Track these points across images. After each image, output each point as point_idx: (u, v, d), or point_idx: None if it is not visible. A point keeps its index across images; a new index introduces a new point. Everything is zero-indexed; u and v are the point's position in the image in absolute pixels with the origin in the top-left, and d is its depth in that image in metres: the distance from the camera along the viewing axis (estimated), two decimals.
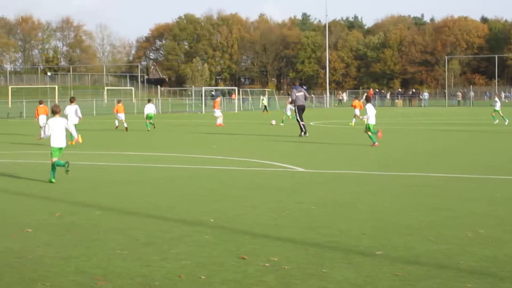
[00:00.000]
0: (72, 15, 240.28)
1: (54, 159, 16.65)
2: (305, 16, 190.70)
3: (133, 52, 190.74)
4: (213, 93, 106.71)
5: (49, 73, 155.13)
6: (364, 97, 30.13)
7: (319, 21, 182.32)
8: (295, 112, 34.04)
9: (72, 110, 29.72)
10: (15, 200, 14.07)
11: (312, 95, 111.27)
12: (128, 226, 10.96)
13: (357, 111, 45.59)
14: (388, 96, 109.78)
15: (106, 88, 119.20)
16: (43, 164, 17.25)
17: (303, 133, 33.11)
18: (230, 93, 76.69)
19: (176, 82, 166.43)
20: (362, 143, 27.39)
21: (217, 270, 8.20)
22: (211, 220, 11.34)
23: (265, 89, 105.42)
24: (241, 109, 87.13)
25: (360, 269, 8.19)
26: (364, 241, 9.71)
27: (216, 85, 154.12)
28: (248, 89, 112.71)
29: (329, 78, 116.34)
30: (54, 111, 17.11)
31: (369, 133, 26.89)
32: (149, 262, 8.62)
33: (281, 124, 45.64)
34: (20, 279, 7.94)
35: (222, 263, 8.54)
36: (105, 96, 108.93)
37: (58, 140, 16.84)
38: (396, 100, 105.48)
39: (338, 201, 13.34)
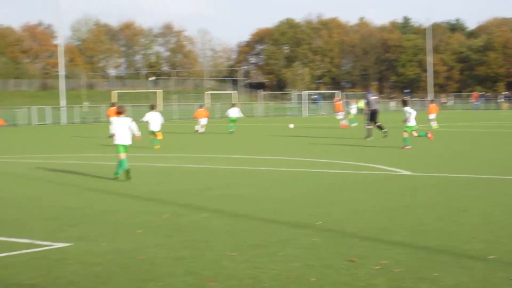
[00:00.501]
0: (173, 20, 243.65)
1: (122, 155, 17.81)
2: (406, 19, 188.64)
3: (233, 56, 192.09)
4: (313, 97, 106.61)
5: (151, 78, 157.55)
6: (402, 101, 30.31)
7: (420, 24, 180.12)
8: (367, 115, 34.06)
9: (156, 117, 30.37)
10: (124, 202, 14.33)
11: (416, 98, 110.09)
12: (235, 228, 11.02)
13: (432, 116, 46.61)
14: (497, 99, 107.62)
15: (207, 92, 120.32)
16: (149, 167, 17.54)
17: (368, 137, 33.33)
18: (332, 97, 76.55)
19: (277, 86, 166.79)
20: (463, 146, 26.92)
21: (326, 273, 8.15)
22: (319, 223, 11.30)
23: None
24: (344, 112, 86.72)
25: (473, 274, 8.02)
26: (475, 245, 9.52)
27: (317, 89, 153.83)
28: (350, 93, 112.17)
29: (431, 81, 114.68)
30: (120, 112, 18.49)
31: (414, 133, 27.80)
32: (257, 264, 8.64)
33: (352, 125, 46.19)
34: (132, 279, 8.06)
35: (331, 265, 8.49)
36: (207, 100, 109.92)
37: (122, 138, 18.02)
38: (502, 103, 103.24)
39: (446, 205, 13.13)
